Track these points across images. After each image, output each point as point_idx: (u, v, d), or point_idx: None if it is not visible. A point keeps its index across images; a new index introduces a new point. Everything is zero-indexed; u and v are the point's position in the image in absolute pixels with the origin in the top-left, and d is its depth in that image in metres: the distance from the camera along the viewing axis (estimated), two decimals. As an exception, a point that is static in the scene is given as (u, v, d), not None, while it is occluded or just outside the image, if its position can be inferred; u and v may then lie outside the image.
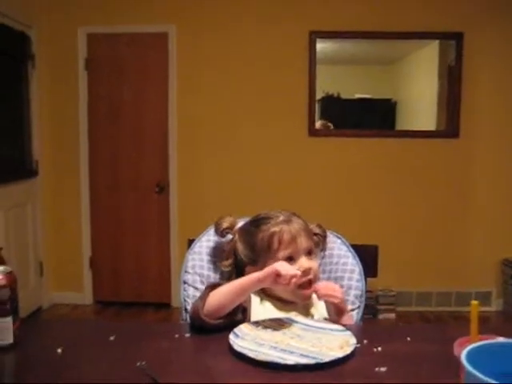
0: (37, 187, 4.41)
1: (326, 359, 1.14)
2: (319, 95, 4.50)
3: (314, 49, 4.40)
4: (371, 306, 4.28)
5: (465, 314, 4.30)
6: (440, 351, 1.19)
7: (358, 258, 1.66)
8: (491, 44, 4.37)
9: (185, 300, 1.61)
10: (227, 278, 1.57)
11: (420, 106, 4.65)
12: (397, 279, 4.40)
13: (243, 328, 1.31)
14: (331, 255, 1.68)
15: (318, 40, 4.40)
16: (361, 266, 1.66)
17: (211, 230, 1.69)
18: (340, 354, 1.16)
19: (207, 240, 1.71)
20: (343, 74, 4.70)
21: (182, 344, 1.31)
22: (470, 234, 4.52)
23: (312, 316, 1.47)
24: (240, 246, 1.55)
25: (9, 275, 1.26)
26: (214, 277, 1.64)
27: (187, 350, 1.31)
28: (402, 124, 4.60)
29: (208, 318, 1.34)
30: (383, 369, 1.12)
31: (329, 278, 1.65)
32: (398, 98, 4.60)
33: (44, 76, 4.44)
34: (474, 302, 0.93)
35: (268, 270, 1.34)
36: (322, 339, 1.26)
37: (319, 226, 1.63)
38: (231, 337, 1.25)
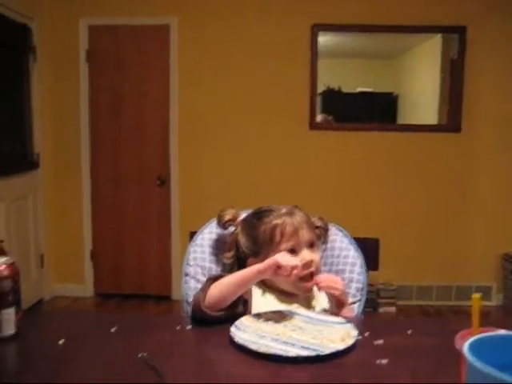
0: (38, 180, 4.41)
1: (327, 351, 1.14)
2: (320, 89, 4.49)
3: (316, 42, 4.39)
4: (372, 300, 4.29)
5: (465, 308, 4.31)
6: (441, 344, 1.19)
7: (359, 251, 1.67)
8: (494, 38, 4.36)
9: (186, 292, 1.62)
10: (229, 270, 1.57)
11: (422, 100, 4.64)
12: (397, 273, 4.41)
13: (244, 320, 1.31)
14: (333, 248, 1.68)
15: (319, 33, 4.39)
16: (362, 259, 1.66)
17: (213, 223, 1.69)
18: (341, 346, 1.17)
19: (209, 232, 1.71)
20: (345, 68, 4.68)
21: (183, 336, 1.31)
22: (470, 228, 4.53)
23: (313, 308, 1.48)
24: (242, 238, 1.55)
25: (11, 266, 1.26)
26: (215, 269, 1.65)
27: (188, 341, 1.31)
28: (404, 118, 4.59)
29: (209, 310, 1.34)
30: (384, 361, 1.13)
31: (330, 271, 1.65)
32: (400, 91, 4.59)
33: (45, 68, 4.43)
34: (476, 295, 0.93)
35: (269, 261, 1.35)
36: (323, 331, 1.26)
37: (321, 218, 1.63)
38: (232, 329, 1.25)
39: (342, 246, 1.68)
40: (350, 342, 1.19)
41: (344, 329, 1.27)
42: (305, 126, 4.46)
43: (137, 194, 4.56)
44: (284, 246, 1.46)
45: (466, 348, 0.74)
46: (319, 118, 4.52)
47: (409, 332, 1.31)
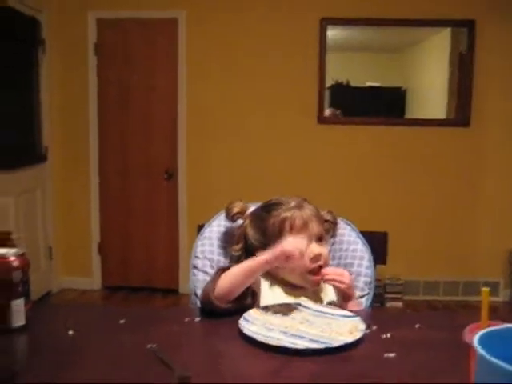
0: (46, 173, 4.42)
1: (336, 344, 1.15)
2: (329, 83, 4.48)
3: (325, 36, 4.37)
4: (379, 295, 4.29)
5: (472, 303, 4.31)
6: (449, 338, 1.19)
7: (367, 245, 1.67)
8: (503, 32, 4.33)
9: (194, 285, 1.62)
10: (237, 262, 1.57)
11: (430, 95, 4.62)
12: (405, 268, 4.40)
13: (253, 313, 1.32)
14: (341, 242, 1.68)
15: (328, 27, 4.37)
16: (370, 253, 1.66)
17: (222, 216, 1.69)
18: (349, 339, 1.17)
19: (218, 225, 1.71)
20: (353, 62, 4.66)
21: (191, 328, 1.32)
22: (478, 223, 4.51)
23: (322, 301, 1.48)
24: (251, 231, 1.55)
25: (21, 258, 1.27)
26: (223, 262, 1.65)
27: (197, 333, 1.31)
28: (412, 112, 4.57)
29: (219, 301, 1.35)
30: (392, 355, 1.13)
31: (338, 265, 1.65)
32: (408, 86, 4.56)
33: (54, 61, 4.44)
34: (486, 289, 0.93)
35: (275, 251, 1.35)
36: (331, 324, 1.27)
37: (330, 212, 1.63)
38: (241, 321, 1.26)
39: (350, 240, 1.68)
40: (358, 335, 1.19)
41: (352, 322, 1.27)
42: (313, 120, 4.45)
43: (145, 187, 4.57)
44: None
45: (475, 341, 0.74)
46: (327, 112, 4.51)
47: (416, 326, 1.31)
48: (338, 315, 1.33)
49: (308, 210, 1.50)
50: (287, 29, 4.40)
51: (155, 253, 4.62)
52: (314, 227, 1.48)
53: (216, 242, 1.68)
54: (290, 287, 1.48)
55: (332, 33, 4.40)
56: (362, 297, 1.59)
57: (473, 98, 4.38)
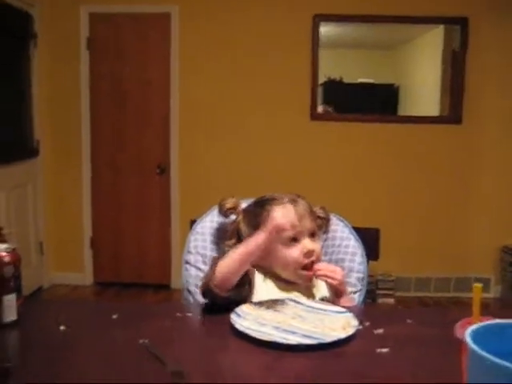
0: (38, 167, 4.40)
1: (328, 340, 1.15)
2: (322, 79, 4.48)
3: (318, 32, 4.37)
4: (371, 291, 4.30)
5: (464, 299, 4.33)
6: (441, 334, 1.20)
7: (360, 241, 1.67)
8: (496, 29, 4.34)
9: (187, 280, 1.62)
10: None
11: (423, 92, 4.63)
12: (396, 264, 4.41)
13: (245, 308, 1.32)
14: (333, 237, 1.69)
15: (321, 24, 4.36)
16: (363, 249, 1.66)
17: (214, 211, 1.69)
18: (342, 335, 1.17)
19: (210, 221, 1.71)
20: (346, 59, 4.67)
21: (184, 323, 1.32)
22: (470, 220, 4.53)
23: (314, 297, 1.48)
24: (244, 227, 1.55)
25: (12, 253, 1.26)
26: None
27: (189, 328, 1.32)
28: (405, 109, 4.58)
29: (218, 289, 1.35)
30: (385, 350, 1.13)
31: (330, 260, 1.65)
32: (401, 83, 4.57)
33: (46, 55, 4.41)
34: (478, 285, 0.93)
35: (267, 227, 1.39)
36: (324, 320, 1.27)
37: (323, 208, 1.63)
38: (233, 317, 1.26)
39: (342, 236, 1.68)
40: (350, 331, 1.19)
41: (344, 318, 1.27)
42: (306, 117, 4.45)
43: (137, 181, 4.56)
44: (286, 234, 1.46)
45: (467, 336, 0.74)
46: (319, 108, 4.51)
47: (408, 322, 1.31)
48: (330, 311, 1.33)
49: (301, 206, 1.51)
50: (280, 25, 4.39)
51: (147, 248, 4.61)
52: (307, 223, 1.49)
53: (209, 238, 1.68)
54: (283, 282, 1.48)
55: (325, 29, 4.39)
56: (354, 293, 1.59)
57: (465, 96, 4.39)
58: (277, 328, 1.21)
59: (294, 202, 1.51)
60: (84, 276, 4.63)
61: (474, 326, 0.77)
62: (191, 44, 4.42)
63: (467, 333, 0.75)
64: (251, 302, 1.39)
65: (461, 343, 0.84)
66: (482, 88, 4.40)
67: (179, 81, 4.44)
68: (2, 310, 1.23)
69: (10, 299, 1.24)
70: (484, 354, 0.68)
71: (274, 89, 4.44)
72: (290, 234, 1.44)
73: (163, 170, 4.53)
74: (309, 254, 1.45)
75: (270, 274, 1.49)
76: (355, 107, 4.58)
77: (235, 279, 1.38)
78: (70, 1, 4.40)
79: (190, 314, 1.35)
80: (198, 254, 1.65)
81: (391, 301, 4.41)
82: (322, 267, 1.46)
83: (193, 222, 1.73)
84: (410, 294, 4.55)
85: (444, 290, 4.55)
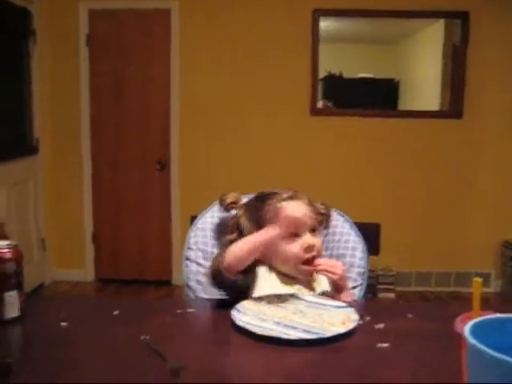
0: (38, 164, 4.40)
1: (329, 334, 1.15)
2: (321, 74, 4.47)
3: (317, 27, 4.35)
4: (372, 286, 4.31)
5: (464, 294, 4.33)
6: (441, 328, 1.20)
7: (360, 236, 1.67)
8: (497, 23, 4.32)
9: (187, 276, 1.62)
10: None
11: (423, 86, 4.62)
12: (397, 259, 4.41)
13: (245, 304, 1.32)
14: (334, 233, 1.69)
15: (320, 18, 4.35)
16: (363, 244, 1.66)
17: (215, 207, 1.69)
18: (342, 330, 1.17)
19: (211, 216, 1.71)
20: (346, 53, 4.66)
21: (184, 319, 1.32)
22: (470, 215, 4.53)
23: (315, 291, 1.48)
24: (245, 221, 1.55)
25: (14, 249, 1.26)
26: (217, 253, 1.65)
27: (190, 324, 1.32)
28: (405, 104, 4.57)
29: (228, 272, 1.38)
30: (385, 345, 1.13)
31: (331, 255, 1.65)
32: (401, 77, 4.56)
33: (45, 52, 4.40)
34: (478, 279, 0.93)
35: (280, 220, 1.44)
36: (324, 315, 1.27)
37: (323, 203, 1.63)
38: (233, 312, 1.26)
39: (343, 231, 1.68)
40: (350, 325, 1.20)
41: (345, 313, 1.28)
42: (306, 112, 4.45)
43: (137, 178, 4.56)
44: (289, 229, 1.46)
45: (467, 330, 0.75)
46: (319, 103, 4.51)
47: (409, 316, 1.32)
48: (330, 306, 1.33)
49: (302, 201, 1.51)
50: (280, 20, 4.38)
51: (148, 244, 4.62)
52: (308, 218, 1.49)
53: (209, 234, 1.68)
54: (284, 277, 1.49)
55: (325, 24, 4.38)
56: (355, 287, 1.60)
57: (466, 90, 4.38)
58: (277, 323, 1.22)
59: (294, 198, 1.51)
60: (85, 272, 4.64)
61: (473, 321, 0.78)
62: (191, 40, 4.41)
63: (467, 327, 0.75)
64: (252, 296, 1.40)
65: (461, 338, 0.84)
66: (482, 82, 4.39)
67: (180, 77, 4.43)
68: (4, 306, 1.23)
69: (12, 296, 1.25)
70: (483, 348, 0.69)
71: (274, 84, 4.43)
72: (291, 229, 1.45)
73: (163, 166, 4.53)
74: (309, 248, 1.46)
75: (270, 267, 1.49)
76: (355, 102, 4.57)
77: (246, 263, 1.40)
78: (69, -3, 4.40)
79: (190, 310, 1.35)
80: (198, 250, 1.65)
81: (392, 295, 4.41)
82: (322, 262, 1.47)
83: (193, 218, 1.73)
84: (411, 288, 4.55)
85: (444, 285, 4.56)
